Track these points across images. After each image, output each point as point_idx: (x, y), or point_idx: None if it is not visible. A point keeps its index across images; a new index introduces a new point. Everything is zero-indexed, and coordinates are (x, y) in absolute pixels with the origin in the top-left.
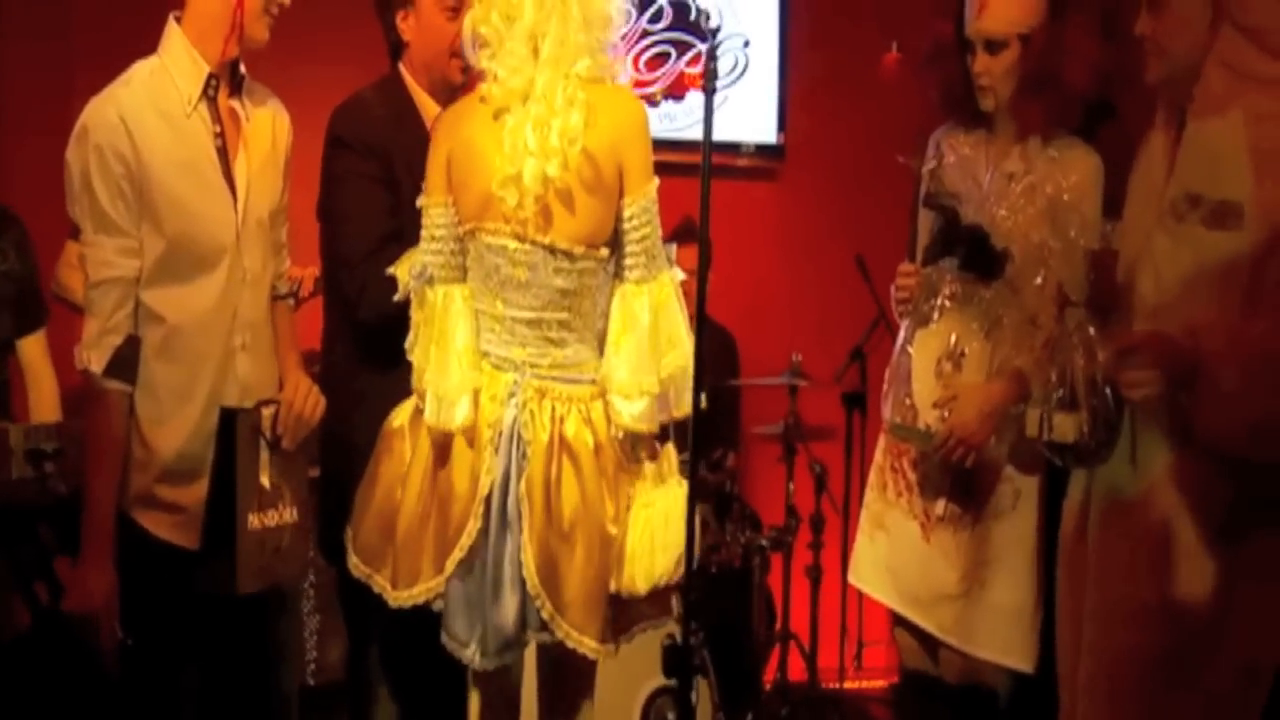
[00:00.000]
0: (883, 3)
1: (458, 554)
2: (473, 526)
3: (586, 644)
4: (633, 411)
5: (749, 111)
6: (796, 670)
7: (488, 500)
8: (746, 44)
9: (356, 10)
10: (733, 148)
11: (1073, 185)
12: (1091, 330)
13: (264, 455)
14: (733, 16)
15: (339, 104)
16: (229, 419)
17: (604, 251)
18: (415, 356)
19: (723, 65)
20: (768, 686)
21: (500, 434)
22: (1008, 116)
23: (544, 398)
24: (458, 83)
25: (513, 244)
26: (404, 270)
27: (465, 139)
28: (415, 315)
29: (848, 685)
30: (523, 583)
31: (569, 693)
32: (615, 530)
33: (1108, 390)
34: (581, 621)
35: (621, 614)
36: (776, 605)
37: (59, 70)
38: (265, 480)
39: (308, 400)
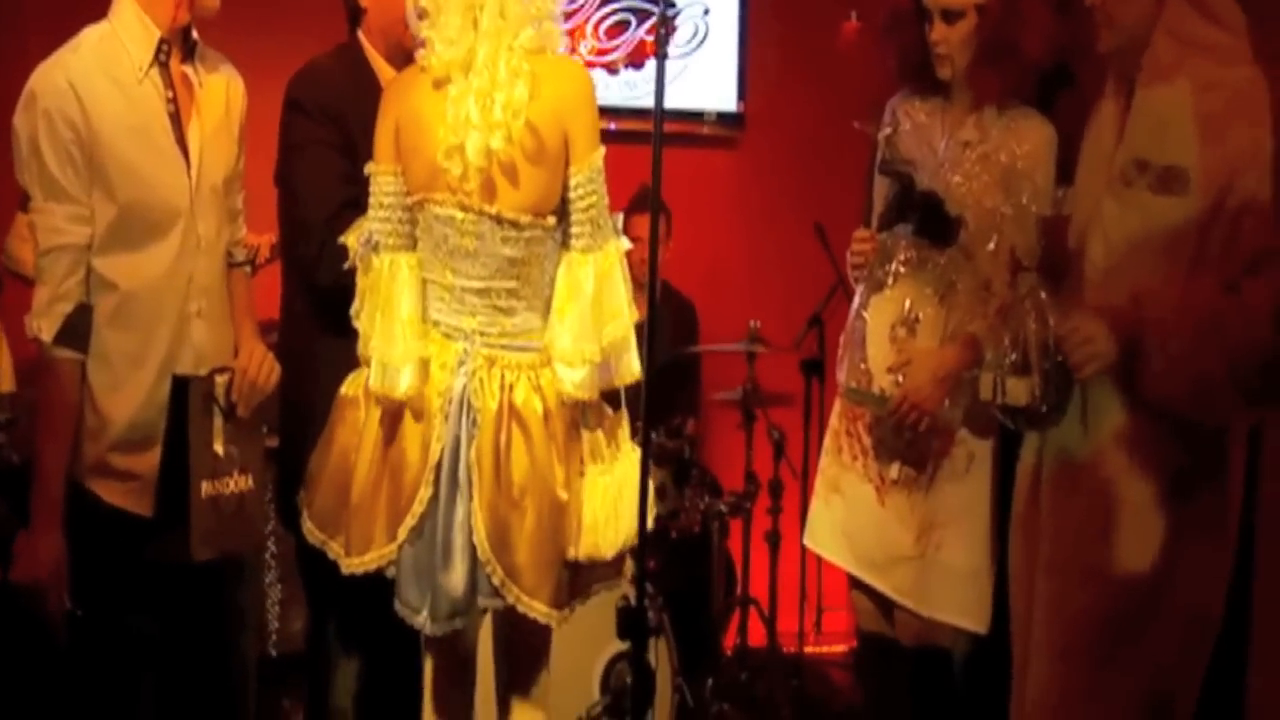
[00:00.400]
0: None
1: (410, 521)
2: (424, 494)
3: (538, 609)
4: (574, 379)
5: (709, 80)
6: (756, 635)
7: (438, 468)
8: (706, 12)
9: None
10: (695, 116)
11: (1026, 153)
12: (1043, 295)
13: (217, 422)
14: None
15: (296, 70)
16: (181, 386)
17: (551, 220)
18: (361, 323)
19: (683, 33)
20: (728, 651)
21: (450, 402)
22: (964, 85)
23: (493, 366)
24: (413, 49)
25: (459, 214)
26: (354, 238)
27: (412, 109)
28: (361, 282)
29: (807, 650)
30: (473, 549)
31: (525, 659)
32: (566, 495)
33: (1059, 354)
34: (533, 586)
35: (578, 577)
36: (736, 571)
37: (11, 37)
38: (219, 448)
39: (262, 367)
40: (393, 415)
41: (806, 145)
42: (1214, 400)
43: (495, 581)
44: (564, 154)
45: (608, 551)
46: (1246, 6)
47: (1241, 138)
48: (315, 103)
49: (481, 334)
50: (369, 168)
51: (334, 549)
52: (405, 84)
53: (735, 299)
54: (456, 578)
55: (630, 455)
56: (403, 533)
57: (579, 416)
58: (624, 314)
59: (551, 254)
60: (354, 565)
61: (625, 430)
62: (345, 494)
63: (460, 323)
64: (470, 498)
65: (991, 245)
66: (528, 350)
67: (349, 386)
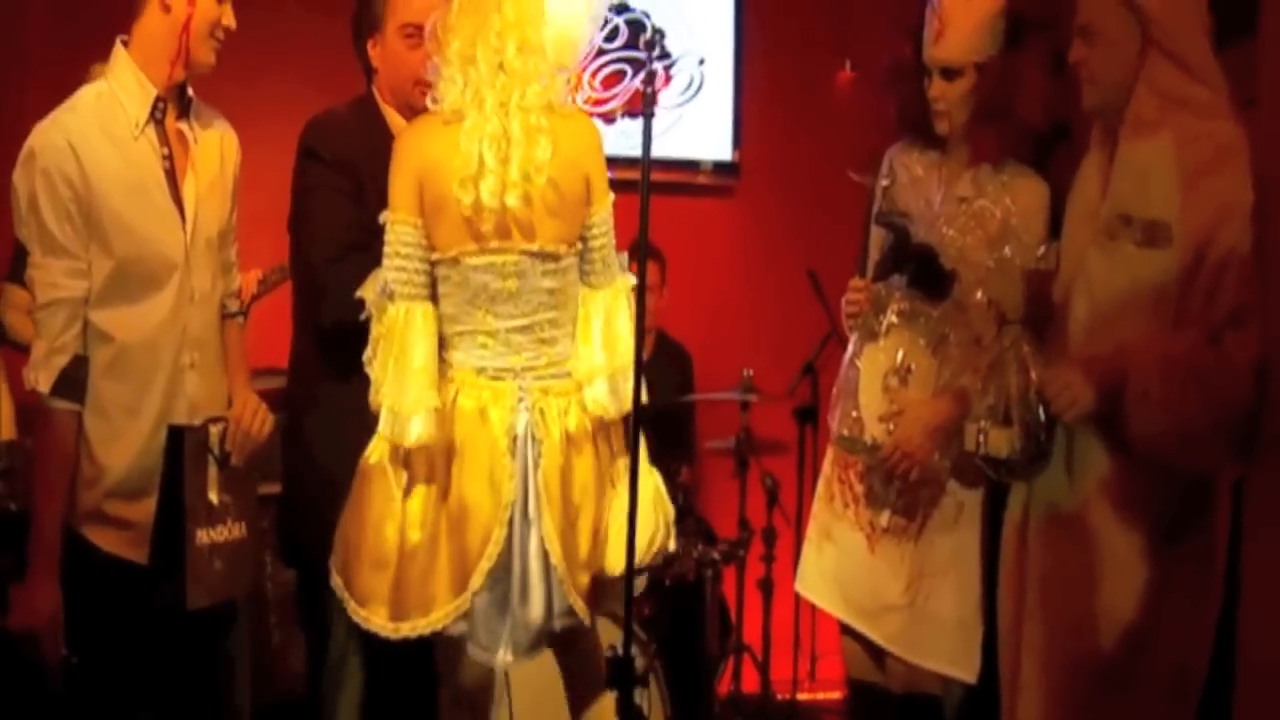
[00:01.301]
0: (836, 22)
1: (485, 564)
2: (500, 534)
3: (579, 606)
4: (595, 396)
5: (705, 129)
6: (750, 683)
7: (512, 505)
8: (702, 62)
9: (316, 33)
10: (691, 165)
11: (1020, 211)
12: (1026, 348)
13: (212, 472)
14: (688, 34)
15: (311, 118)
16: (177, 436)
17: (579, 246)
18: (373, 371)
19: (678, 83)
20: (722, 698)
21: (516, 439)
22: (961, 141)
23: (548, 395)
24: (422, 108)
25: (499, 259)
26: (370, 290)
27: (433, 164)
28: (375, 329)
29: (802, 697)
30: (548, 575)
31: (589, 682)
32: (606, 509)
33: (1040, 407)
34: (584, 593)
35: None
36: (731, 617)
37: (11, 94)
38: (214, 496)
39: (256, 417)
40: (444, 470)
41: (801, 194)
42: (1200, 450)
43: (570, 600)
44: (586, 196)
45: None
46: (1221, 60)
47: (1222, 191)
48: (329, 150)
49: (530, 369)
50: (384, 216)
51: (376, 623)
52: (421, 135)
53: (730, 347)
54: (536, 606)
55: (650, 476)
56: (478, 579)
57: (609, 437)
58: (626, 342)
59: (577, 279)
60: (419, 628)
61: (644, 452)
62: (388, 565)
63: (508, 363)
64: (541, 525)
65: (978, 297)
66: (571, 376)
67: (373, 453)
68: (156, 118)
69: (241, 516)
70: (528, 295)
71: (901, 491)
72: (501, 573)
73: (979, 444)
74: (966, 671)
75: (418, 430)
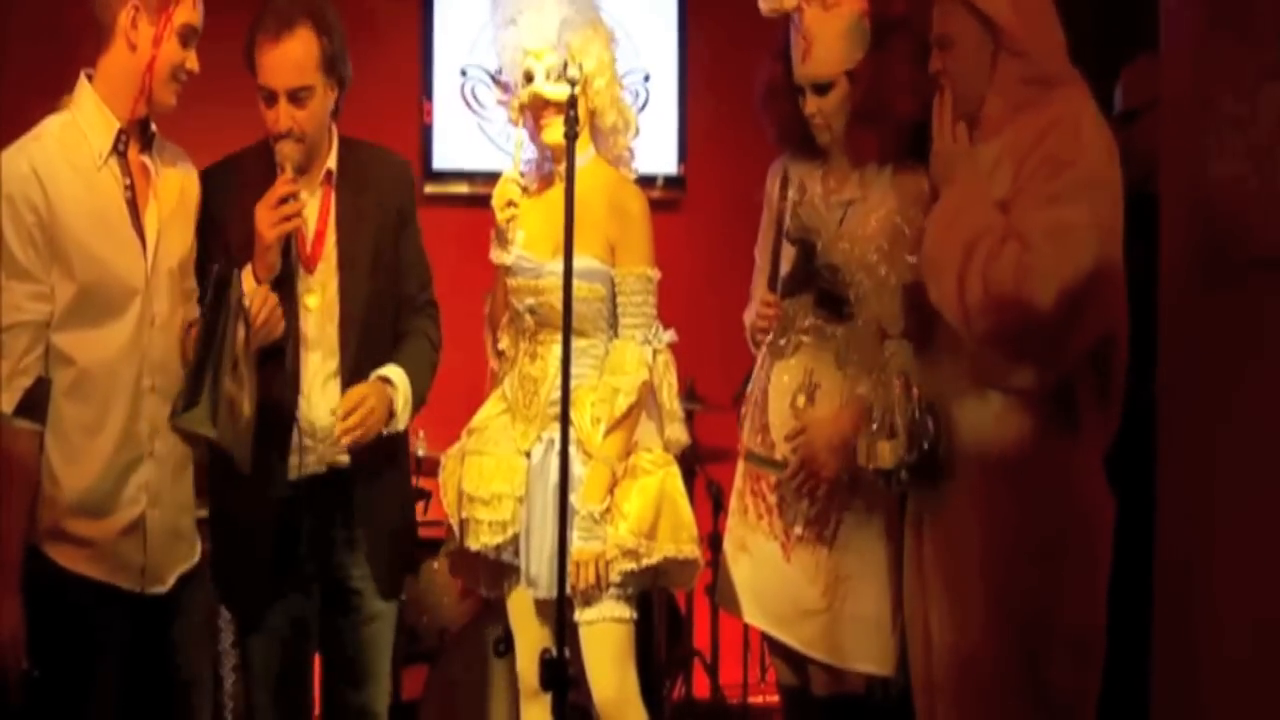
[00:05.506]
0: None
1: None
2: None
3: None
4: None
5: (650, 144)
6: (701, 688)
7: None
8: (647, 78)
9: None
10: (649, 181)
11: (907, 207)
12: (909, 360)
13: (242, 332)
14: (634, 53)
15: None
16: (224, 280)
17: None
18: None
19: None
20: (673, 703)
21: None
22: (841, 148)
23: None
24: (280, 162)
25: None
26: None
27: None
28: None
29: (753, 700)
30: None
31: None
32: None
33: (928, 417)
34: None
35: None
36: (682, 623)
37: None
38: (240, 355)
39: (273, 314)
40: None
41: (746, 206)
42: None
43: None
44: None
45: None
46: None
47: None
48: (207, 200)
49: None
50: None
51: None
52: None
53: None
54: None
55: None
56: None
57: None
58: None
59: None
60: None
61: None
62: None
63: None
64: None
65: (860, 322)
66: None
67: None
68: (119, 149)
69: (249, 397)
70: None
71: (813, 501)
72: None
73: (868, 457)
74: (885, 667)
75: None
